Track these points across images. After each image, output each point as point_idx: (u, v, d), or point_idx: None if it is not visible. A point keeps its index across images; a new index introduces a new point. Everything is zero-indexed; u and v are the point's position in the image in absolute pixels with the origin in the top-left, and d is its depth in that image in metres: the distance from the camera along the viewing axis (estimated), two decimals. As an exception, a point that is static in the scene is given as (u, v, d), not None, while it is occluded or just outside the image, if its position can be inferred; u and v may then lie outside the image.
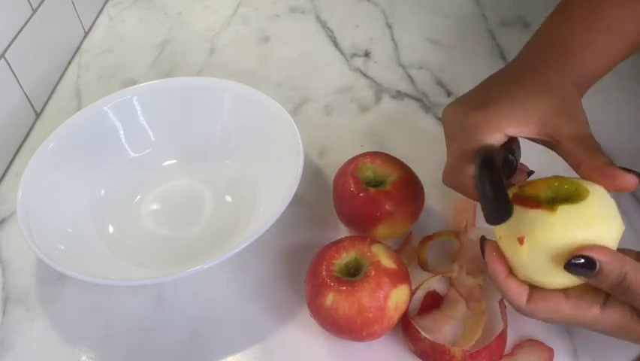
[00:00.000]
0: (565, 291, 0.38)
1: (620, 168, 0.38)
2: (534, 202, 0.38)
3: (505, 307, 0.45)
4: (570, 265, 0.36)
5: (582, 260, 0.35)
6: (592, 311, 0.38)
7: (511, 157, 0.44)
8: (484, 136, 0.42)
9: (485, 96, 0.44)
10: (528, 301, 0.39)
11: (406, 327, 0.45)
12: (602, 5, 0.47)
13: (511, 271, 0.39)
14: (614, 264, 0.35)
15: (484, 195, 0.39)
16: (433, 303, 0.48)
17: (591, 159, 0.38)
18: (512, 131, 0.42)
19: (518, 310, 0.40)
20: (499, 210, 0.37)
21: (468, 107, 0.44)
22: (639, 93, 0.65)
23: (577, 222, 0.36)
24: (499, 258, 0.39)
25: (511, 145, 0.44)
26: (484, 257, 0.41)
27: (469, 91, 0.47)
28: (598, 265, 0.35)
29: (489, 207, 0.38)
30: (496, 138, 0.42)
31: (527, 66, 0.47)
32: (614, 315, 0.37)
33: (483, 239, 0.41)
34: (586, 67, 0.46)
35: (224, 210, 0.56)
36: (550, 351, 0.44)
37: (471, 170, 0.42)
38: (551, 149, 0.42)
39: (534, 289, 0.39)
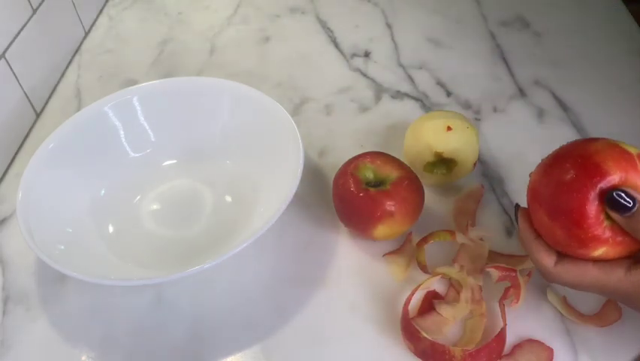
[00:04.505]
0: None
1: None
2: None
3: (505, 306, 0.45)
4: (611, 199, 0.37)
5: (623, 194, 0.36)
6: (616, 274, 0.39)
7: None
8: None
9: None
10: (556, 263, 0.40)
11: (406, 327, 0.45)
12: None
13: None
14: None
15: None
16: (433, 303, 0.48)
17: None
18: None
19: (545, 272, 0.41)
20: None
21: None
22: None
23: None
24: (530, 222, 0.42)
25: None
26: (516, 222, 0.43)
27: None
28: (638, 202, 0.36)
29: None
30: None
31: None
32: (637, 276, 0.38)
33: (517, 206, 0.44)
34: None
35: (224, 210, 0.56)
36: (550, 351, 0.44)
37: None
38: None
39: (563, 254, 0.40)
